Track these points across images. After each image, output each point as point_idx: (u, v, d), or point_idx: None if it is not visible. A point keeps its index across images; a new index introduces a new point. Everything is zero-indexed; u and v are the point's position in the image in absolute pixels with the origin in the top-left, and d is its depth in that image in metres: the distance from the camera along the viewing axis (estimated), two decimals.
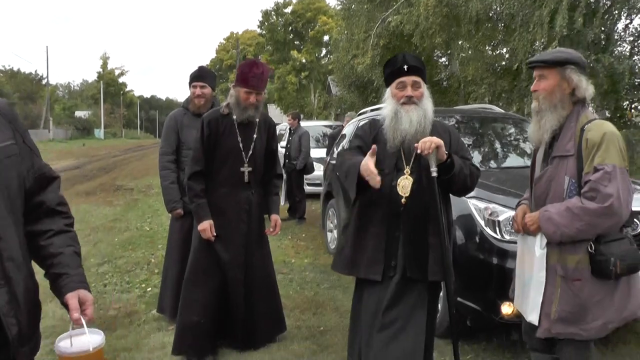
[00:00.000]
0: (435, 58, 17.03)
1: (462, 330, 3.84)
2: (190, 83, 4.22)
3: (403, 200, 2.58)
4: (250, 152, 3.56)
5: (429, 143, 2.41)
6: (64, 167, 21.21)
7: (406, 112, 2.59)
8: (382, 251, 2.63)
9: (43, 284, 1.62)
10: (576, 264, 2.33)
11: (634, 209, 3.47)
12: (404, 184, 2.57)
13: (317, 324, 4.22)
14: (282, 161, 10.04)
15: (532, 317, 2.45)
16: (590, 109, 2.50)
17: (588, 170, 2.28)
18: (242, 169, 3.54)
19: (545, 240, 2.40)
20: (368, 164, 2.40)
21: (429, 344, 2.75)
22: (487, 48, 13.52)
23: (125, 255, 6.60)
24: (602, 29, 9.70)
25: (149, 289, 5.18)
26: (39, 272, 1.62)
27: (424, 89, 2.68)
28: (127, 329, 4.20)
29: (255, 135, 3.58)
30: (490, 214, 3.54)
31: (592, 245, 2.30)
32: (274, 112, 47.21)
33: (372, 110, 6.07)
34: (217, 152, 3.47)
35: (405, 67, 2.61)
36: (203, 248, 3.51)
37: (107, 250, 6.86)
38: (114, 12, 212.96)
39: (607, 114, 11.87)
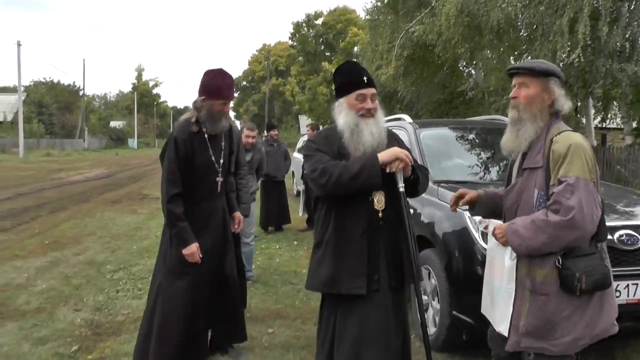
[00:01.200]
0: (460, 68, 16.93)
1: (458, 344, 3.84)
2: None
3: (380, 214, 2.63)
4: (222, 160, 3.54)
5: (397, 162, 2.54)
6: (95, 175, 21.79)
7: (366, 125, 2.62)
8: (365, 265, 2.64)
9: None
10: (544, 278, 2.30)
11: (638, 223, 3.46)
12: (379, 198, 2.63)
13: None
14: (300, 171, 10.15)
15: (502, 327, 2.44)
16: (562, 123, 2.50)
17: (553, 182, 2.27)
18: (217, 179, 3.52)
19: (515, 253, 2.40)
20: (394, 149, 2.58)
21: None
22: (510, 58, 13.39)
23: (141, 263, 6.74)
24: (627, 37, 9.49)
25: None
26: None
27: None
28: (132, 334, 4.29)
29: (223, 144, 3.56)
30: (486, 227, 3.51)
31: (560, 260, 2.28)
32: (305, 122, 47.44)
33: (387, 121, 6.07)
34: (194, 169, 3.41)
35: (365, 78, 2.65)
36: (178, 270, 3.42)
37: (124, 258, 7.02)
38: (149, 23, 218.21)
39: (634, 124, 11.61)
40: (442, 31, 12.52)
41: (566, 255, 2.26)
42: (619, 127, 15.47)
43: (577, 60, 9.21)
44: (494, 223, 2.54)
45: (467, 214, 3.64)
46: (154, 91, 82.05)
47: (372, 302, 2.64)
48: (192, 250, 3.32)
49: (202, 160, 3.43)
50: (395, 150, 2.58)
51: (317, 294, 5.33)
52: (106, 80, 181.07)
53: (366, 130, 2.61)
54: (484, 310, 2.62)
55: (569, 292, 2.26)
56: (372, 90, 2.68)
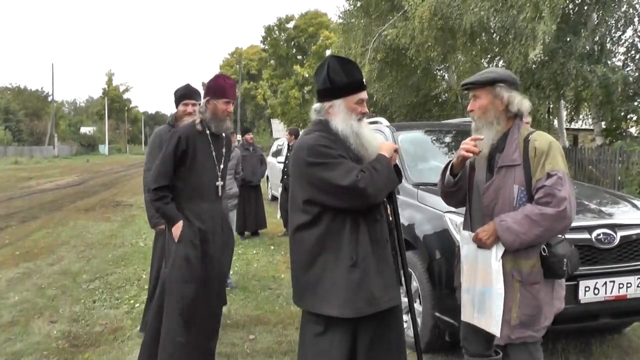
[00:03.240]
0: (434, 71, 17.08)
1: (441, 345, 3.87)
2: (178, 100, 4.26)
3: (390, 219, 2.64)
4: (222, 165, 3.62)
5: (395, 155, 2.56)
6: (66, 183, 21.36)
7: (363, 128, 2.56)
8: (394, 273, 2.59)
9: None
10: (531, 268, 2.42)
11: (615, 221, 3.55)
12: (386, 205, 2.63)
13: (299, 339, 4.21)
14: (276, 176, 10.13)
15: (494, 328, 2.47)
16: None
17: (540, 177, 2.37)
18: (217, 183, 3.57)
19: (501, 252, 2.44)
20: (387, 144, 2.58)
21: None
22: (483, 61, 13.58)
23: (117, 272, 6.62)
24: (596, 40, 9.73)
25: (137, 305, 5.19)
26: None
27: None
28: (110, 345, 4.21)
29: (224, 149, 3.65)
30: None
31: (545, 249, 2.41)
32: (278, 126, 47.31)
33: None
34: (195, 168, 3.47)
35: (364, 81, 2.61)
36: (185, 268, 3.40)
37: (99, 267, 6.88)
38: (120, 28, 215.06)
39: (603, 125, 11.88)
40: (415, 34, 12.63)
41: (549, 244, 2.41)
42: (589, 128, 15.85)
43: (538, 59, 9.39)
44: (465, 233, 2.62)
45: (447, 215, 3.67)
46: (125, 96, 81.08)
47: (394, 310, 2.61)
48: (178, 227, 3.37)
49: (203, 160, 3.48)
50: (388, 145, 2.59)
51: None
52: (75, 86, 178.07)
53: (366, 133, 2.54)
54: (467, 317, 2.63)
55: (554, 277, 2.43)
56: (366, 94, 2.62)
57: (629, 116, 11.25)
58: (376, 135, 2.66)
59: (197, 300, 3.37)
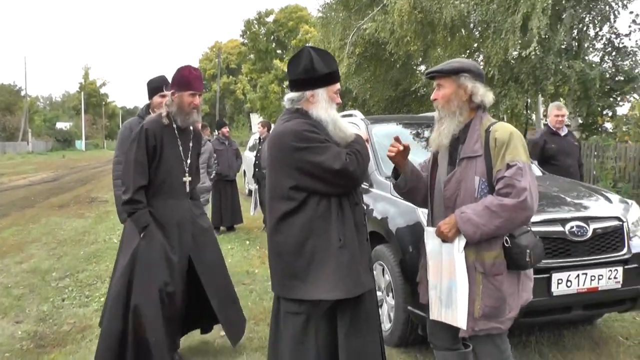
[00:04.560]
0: (412, 66, 17.08)
1: (415, 339, 3.82)
2: (154, 92, 4.11)
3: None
4: (189, 160, 3.54)
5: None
6: (40, 179, 20.96)
7: (339, 117, 2.61)
8: (368, 259, 2.69)
9: None
10: (494, 260, 2.39)
11: (587, 214, 3.54)
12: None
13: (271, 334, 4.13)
14: (252, 170, 10.01)
15: (461, 322, 2.43)
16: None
17: (500, 167, 2.36)
18: (184, 179, 3.50)
19: (463, 243, 2.41)
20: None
21: None
22: (462, 55, 13.61)
23: (88, 269, 6.47)
24: (574, 36, 9.82)
25: None
26: None
27: None
28: (78, 344, 4.10)
29: (191, 144, 3.57)
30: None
31: (508, 240, 2.38)
32: (257, 121, 47.01)
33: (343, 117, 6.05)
34: (162, 163, 3.40)
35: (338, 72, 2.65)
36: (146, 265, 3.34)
37: (70, 264, 6.72)
38: (97, 21, 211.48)
39: (580, 120, 12.02)
40: (395, 29, 12.59)
41: (512, 235, 2.38)
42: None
43: (533, 54, 9.44)
44: (429, 229, 2.59)
45: (420, 209, 3.62)
46: (102, 91, 79.84)
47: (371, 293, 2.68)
48: (148, 229, 3.32)
49: (170, 155, 3.41)
50: (360, 134, 2.67)
51: (270, 294, 5.27)
52: (51, 80, 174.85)
53: (342, 121, 2.61)
54: (436, 315, 2.58)
55: (518, 268, 2.40)
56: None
57: (604, 112, 11.39)
58: (350, 125, 2.67)
59: (153, 295, 3.29)
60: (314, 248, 2.48)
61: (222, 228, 8.99)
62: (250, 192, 13.63)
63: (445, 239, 2.46)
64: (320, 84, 2.56)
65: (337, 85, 2.63)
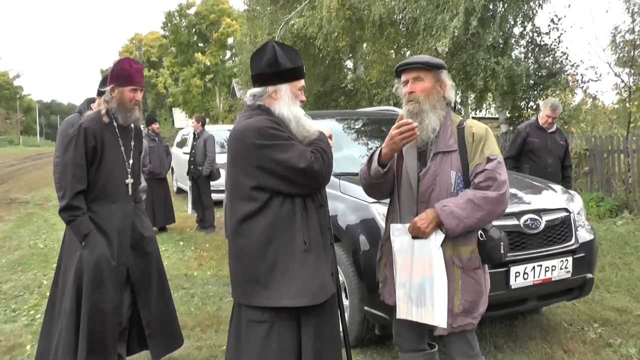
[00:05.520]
0: (341, 62, 17.13)
1: (371, 339, 3.74)
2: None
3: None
4: (132, 161, 3.30)
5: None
6: None
7: (303, 115, 2.50)
8: (333, 264, 2.58)
9: None
10: (470, 254, 2.40)
11: (539, 207, 3.59)
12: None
13: (220, 342, 3.90)
14: (184, 167, 9.63)
15: (440, 320, 2.36)
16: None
17: (480, 161, 2.38)
18: (126, 181, 3.25)
19: (441, 239, 2.37)
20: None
21: None
22: (390, 51, 13.77)
23: (13, 279, 5.91)
24: (501, 33, 10.19)
25: (39, 316, 4.54)
26: None
27: None
28: None
29: (132, 143, 3.33)
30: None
31: (482, 234, 2.40)
32: (179, 116, 45.75)
33: None
34: (102, 165, 3.13)
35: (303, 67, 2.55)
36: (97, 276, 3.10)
37: None
38: (8, 9, 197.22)
39: (507, 114, 12.53)
40: (323, 24, 12.54)
41: (485, 230, 2.41)
42: (493, 116, 16.72)
43: (446, 51, 9.67)
44: (397, 226, 2.50)
45: (373, 206, 3.54)
46: (16, 83, 74.76)
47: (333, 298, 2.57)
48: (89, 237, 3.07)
49: (111, 156, 3.15)
50: (324, 131, 2.57)
51: (212, 298, 5.04)
52: None
53: (306, 119, 2.50)
54: (404, 314, 2.49)
55: (491, 262, 2.44)
56: None
57: (529, 105, 11.93)
58: (313, 123, 2.54)
59: (105, 307, 3.07)
60: (278, 252, 2.35)
61: (154, 229, 8.54)
62: (179, 190, 13.17)
63: (421, 234, 2.38)
64: (283, 79, 2.46)
65: (302, 82, 2.53)
